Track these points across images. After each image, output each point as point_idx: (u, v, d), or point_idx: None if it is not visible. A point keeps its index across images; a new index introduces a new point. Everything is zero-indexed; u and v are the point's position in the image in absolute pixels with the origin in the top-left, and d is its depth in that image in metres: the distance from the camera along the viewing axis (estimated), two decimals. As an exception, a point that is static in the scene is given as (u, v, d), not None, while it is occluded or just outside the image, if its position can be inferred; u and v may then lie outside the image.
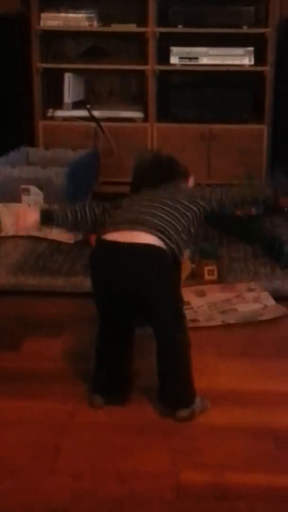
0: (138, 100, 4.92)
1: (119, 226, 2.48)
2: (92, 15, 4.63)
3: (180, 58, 4.62)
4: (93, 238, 3.78)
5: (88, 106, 4.69)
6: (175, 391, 2.42)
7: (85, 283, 3.32)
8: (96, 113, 4.68)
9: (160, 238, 2.43)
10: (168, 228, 2.47)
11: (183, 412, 2.38)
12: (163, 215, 2.50)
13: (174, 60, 4.62)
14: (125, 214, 2.55)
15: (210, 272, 3.42)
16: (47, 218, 2.71)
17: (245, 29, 4.58)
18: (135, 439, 2.28)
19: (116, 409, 2.43)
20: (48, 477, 2.10)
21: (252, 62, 4.62)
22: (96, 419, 2.38)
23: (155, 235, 2.43)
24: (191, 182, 2.82)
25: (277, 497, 2.03)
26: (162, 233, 2.44)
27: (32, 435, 2.30)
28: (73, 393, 2.53)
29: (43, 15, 4.58)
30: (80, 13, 4.61)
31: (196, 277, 3.42)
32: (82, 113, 4.71)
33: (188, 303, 3.19)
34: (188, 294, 3.25)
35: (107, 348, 2.50)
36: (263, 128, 4.69)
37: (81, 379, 2.61)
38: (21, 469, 2.14)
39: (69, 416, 2.40)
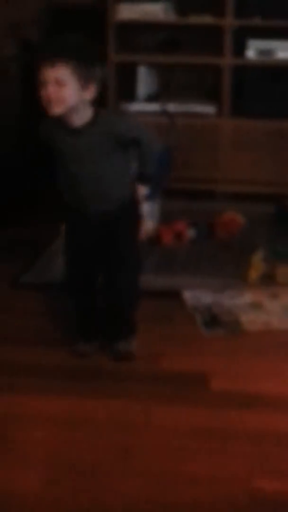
0: (212, 94, 4.94)
1: None
2: (168, 6, 4.66)
3: (257, 51, 4.63)
4: (165, 234, 3.87)
5: (162, 102, 4.72)
6: (119, 324, 2.83)
7: (157, 281, 3.40)
8: (168, 107, 4.71)
9: None
10: None
11: (123, 345, 2.80)
12: None
13: (250, 53, 4.63)
14: None
15: (284, 274, 3.43)
16: None
17: None
18: (207, 442, 2.32)
19: (187, 411, 2.48)
20: (120, 478, 2.15)
21: None
22: (169, 420, 2.43)
23: None
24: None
25: None
26: None
27: (104, 434, 2.36)
28: (145, 392, 2.58)
29: (119, 6, 4.63)
30: (156, 4, 4.64)
31: (269, 279, 3.44)
32: (155, 107, 4.75)
33: (261, 305, 3.22)
34: (261, 296, 3.28)
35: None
36: None
37: (153, 379, 2.67)
38: (93, 469, 2.19)
39: (141, 416, 2.45)
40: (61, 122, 2.60)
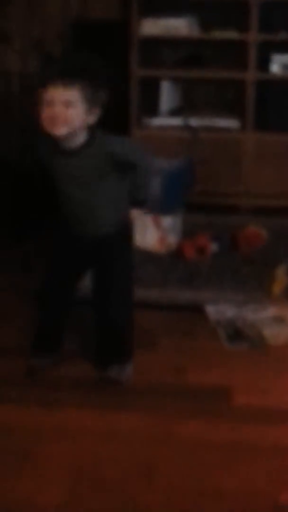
0: (235, 109, 4.94)
1: None
2: (192, 21, 4.68)
3: (281, 66, 4.63)
4: (187, 248, 3.86)
5: (185, 116, 4.74)
6: (114, 346, 2.76)
7: (180, 295, 3.39)
8: (191, 122, 4.73)
9: None
10: None
11: (114, 370, 2.73)
12: None
13: (274, 68, 4.63)
14: None
15: (308, 289, 3.42)
16: None
17: None
18: (231, 457, 2.31)
19: (211, 426, 2.47)
20: (143, 493, 2.14)
21: None
22: (189, 435, 2.42)
23: None
24: None
25: None
26: None
27: (127, 448, 2.35)
28: (168, 406, 2.58)
29: (143, 21, 4.64)
30: (180, 19, 4.65)
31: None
32: (178, 121, 4.76)
33: (284, 319, 3.21)
34: (284, 310, 3.26)
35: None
36: None
37: (176, 392, 2.67)
38: (117, 483, 2.19)
39: (164, 430, 2.44)
40: (56, 142, 2.57)
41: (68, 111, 2.48)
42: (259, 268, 3.67)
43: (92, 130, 2.58)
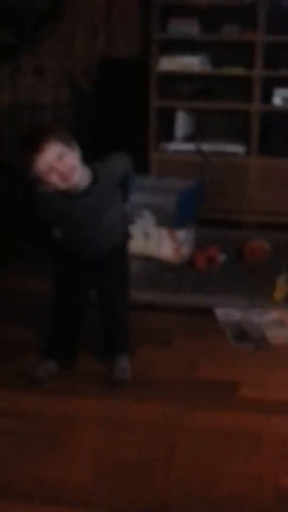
0: (241, 136, 4.95)
1: None
2: (205, 59, 4.70)
3: (283, 99, 4.62)
4: (199, 258, 3.86)
5: (198, 142, 4.74)
6: (117, 338, 2.76)
7: (192, 300, 3.39)
8: (203, 147, 4.73)
9: None
10: None
11: (119, 371, 2.69)
12: None
13: (277, 100, 4.63)
14: None
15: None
16: None
17: None
18: (237, 443, 2.30)
19: (220, 416, 2.46)
20: (162, 473, 2.14)
21: None
22: (202, 423, 2.42)
23: None
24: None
25: None
26: None
27: (146, 435, 2.35)
28: (182, 398, 2.58)
29: (161, 59, 4.67)
30: (194, 57, 4.68)
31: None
32: (191, 146, 4.77)
33: (284, 322, 3.19)
34: (284, 315, 3.25)
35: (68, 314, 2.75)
36: None
37: (189, 386, 2.67)
38: (138, 465, 2.19)
39: (177, 419, 2.43)
40: (60, 192, 2.46)
41: (66, 160, 2.40)
42: (263, 277, 3.66)
43: (90, 165, 2.53)
